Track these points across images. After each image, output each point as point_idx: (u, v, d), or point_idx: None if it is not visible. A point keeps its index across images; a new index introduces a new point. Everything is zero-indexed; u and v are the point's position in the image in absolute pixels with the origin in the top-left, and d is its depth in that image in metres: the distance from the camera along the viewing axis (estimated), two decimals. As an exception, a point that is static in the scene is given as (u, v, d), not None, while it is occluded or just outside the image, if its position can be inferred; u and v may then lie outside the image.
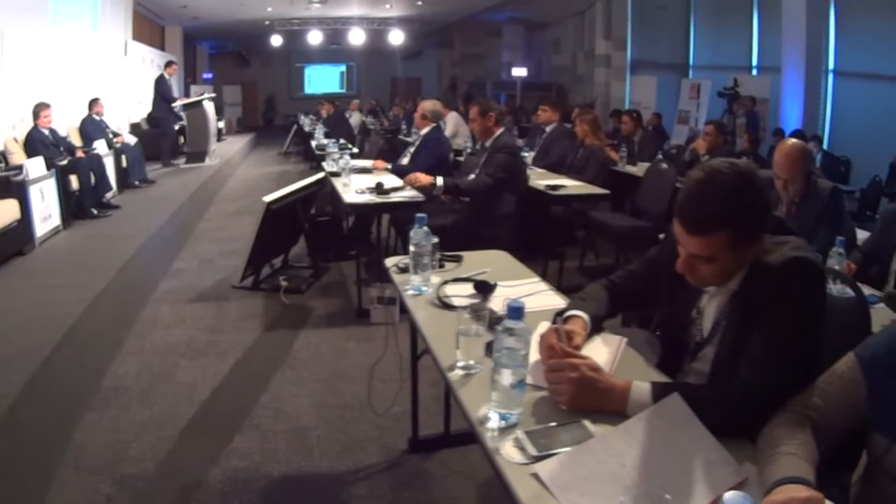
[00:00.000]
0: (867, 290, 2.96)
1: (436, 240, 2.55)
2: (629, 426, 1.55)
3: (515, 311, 1.54)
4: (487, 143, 4.99)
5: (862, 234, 3.84)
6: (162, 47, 17.32)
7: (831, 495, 1.44)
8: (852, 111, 12.23)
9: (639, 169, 6.99)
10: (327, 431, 3.43)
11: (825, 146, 11.87)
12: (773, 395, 1.59)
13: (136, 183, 9.50)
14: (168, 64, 12.75)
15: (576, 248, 6.60)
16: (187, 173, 11.06)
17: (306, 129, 14.60)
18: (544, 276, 5.48)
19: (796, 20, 11.51)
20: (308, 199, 6.13)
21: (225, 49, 25.41)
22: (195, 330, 4.78)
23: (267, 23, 19.77)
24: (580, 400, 1.64)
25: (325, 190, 6.28)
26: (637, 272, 2.16)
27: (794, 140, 3.74)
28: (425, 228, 2.45)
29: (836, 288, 2.32)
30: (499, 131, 4.94)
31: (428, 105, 5.97)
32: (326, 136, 10.21)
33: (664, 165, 6.33)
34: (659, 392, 1.63)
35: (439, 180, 4.83)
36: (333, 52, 24.36)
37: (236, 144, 16.56)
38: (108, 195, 8.10)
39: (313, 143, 10.63)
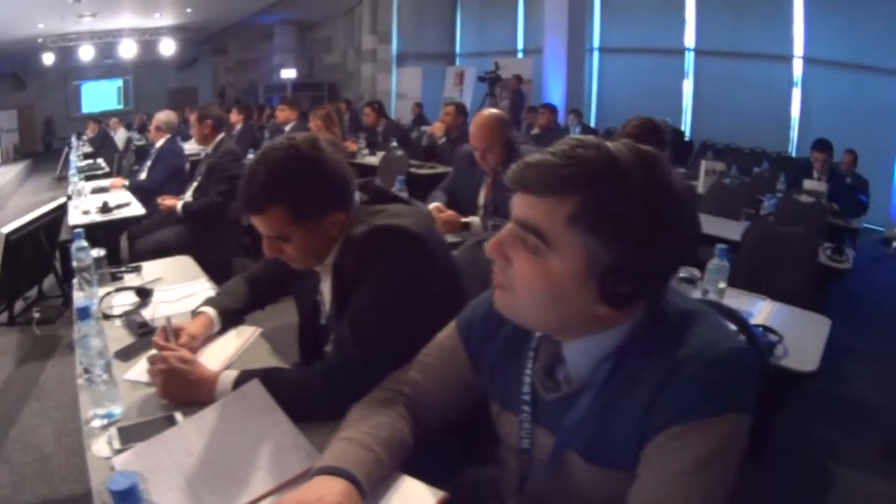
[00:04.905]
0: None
1: (101, 253, 2.51)
2: (204, 415, 1.52)
3: (83, 312, 1.55)
4: (209, 150, 4.92)
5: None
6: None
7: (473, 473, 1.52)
8: (618, 84, 13.03)
9: (378, 159, 7.06)
10: (67, 457, 3.34)
11: (593, 120, 12.56)
12: (355, 372, 1.51)
13: None
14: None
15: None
16: (-48, 213, 10.18)
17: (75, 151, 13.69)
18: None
19: (559, 2, 11.98)
20: (53, 225, 5.85)
21: (-1, 72, 23.40)
22: (-43, 374, 4.44)
23: (40, 40, 18.25)
24: (172, 391, 1.64)
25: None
26: (274, 261, 2.02)
27: (489, 111, 3.70)
28: (82, 243, 2.40)
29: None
30: (219, 137, 4.87)
31: (161, 116, 5.74)
32: (92, 156, 9.77)
33: (398, 152, 6.52)
34: (242, 379, 1.62)
35: (179, 205, 4.72)
36: (109, 67, 22.67)
37: (9, 174, 15.12)
38: None
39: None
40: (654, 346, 1.10)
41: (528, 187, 1.06)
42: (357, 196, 1.78)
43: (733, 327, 1.58)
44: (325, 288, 1.85)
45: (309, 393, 1.56)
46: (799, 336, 2.44)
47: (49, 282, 5.86)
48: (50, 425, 3.70)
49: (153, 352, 1.76)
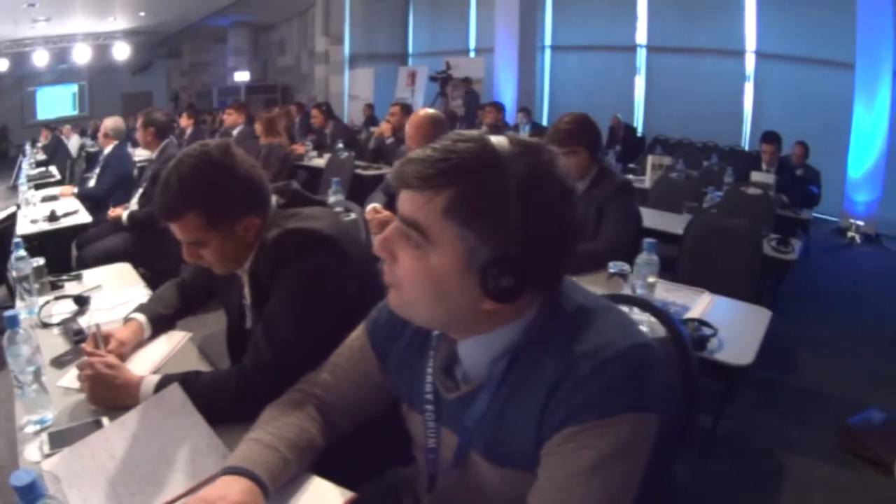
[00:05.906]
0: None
1: (40, 262, 2.53)
2: (126, 418, 1.54)
3: (11, 320, 1.57)
4: (154, 156, 4.86)
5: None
6: None
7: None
8: (570, 82, 13.09)
9: (325, 160, 7.05)
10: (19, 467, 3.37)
11: (545, 118, 12.60)
12: (269, 375, 1.54)
13: None
14: None
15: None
16: None
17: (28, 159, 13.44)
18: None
19: (510, 1, 12.03)
20: (4, 235, 5.77)
21: (-48, 80, 22.75)
22: None
23: (-6, 46, 18.19)
24: (99, 396, 1.67)
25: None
26: (203, 267, 1.96)
27: (424, 111, 3.72)
28: (21, 252, 2.41)
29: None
30: (163, 143, 4.80)
31: (109, 123, 5.68)
32: (45, 163, 9.64)
33: (343, 154, 6.55)
34: (163, 383, 1.64)
35: (124, 215, 4.64)
36: (64, 72, 22.21)
37: (-38, 183, 15.12)
38: None
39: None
40: (549, 344, 1.07)
41: (407, 183, 1.05)
42: (274, 200, 1.81)
43: (653, 320, 1.58)
44: (246, 291, 1.87)
45: (225, 396, 1.58)
46: (737, 329, 2.45)
47: (1, 292, 5.83)
48: (3, 436, 3.63)
49: (84, 358, 1.79)
